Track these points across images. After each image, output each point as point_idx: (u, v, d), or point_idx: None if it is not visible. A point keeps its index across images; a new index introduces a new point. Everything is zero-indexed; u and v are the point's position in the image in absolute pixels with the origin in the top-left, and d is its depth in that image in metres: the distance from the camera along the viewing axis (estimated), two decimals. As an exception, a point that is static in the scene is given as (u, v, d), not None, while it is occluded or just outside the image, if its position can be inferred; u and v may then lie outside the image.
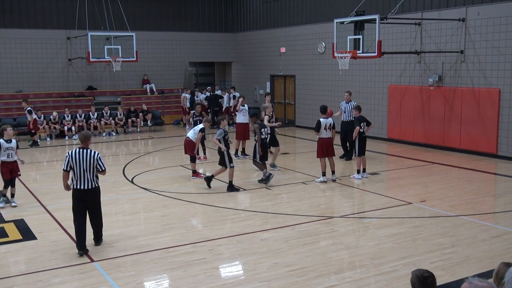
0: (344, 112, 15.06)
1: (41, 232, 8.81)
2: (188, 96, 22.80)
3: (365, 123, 12.85)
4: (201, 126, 13.04)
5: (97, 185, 7.85)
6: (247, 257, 7.69)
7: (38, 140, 18.94)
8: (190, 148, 12.96)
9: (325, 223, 9.27)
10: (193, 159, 12.98)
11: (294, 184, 11.99)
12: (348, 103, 15.04)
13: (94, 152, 7.78)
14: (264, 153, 12.52)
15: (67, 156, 7.76)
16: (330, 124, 12.30)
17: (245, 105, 15.85)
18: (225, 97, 23.38)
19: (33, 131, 18.73)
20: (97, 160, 7.75)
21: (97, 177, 7.86)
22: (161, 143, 19.14)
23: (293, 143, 19.39)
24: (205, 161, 15.06)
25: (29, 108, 18.65)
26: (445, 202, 10.51)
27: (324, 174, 12.30)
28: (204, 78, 29.12)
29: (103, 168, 7.85)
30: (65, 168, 7.80)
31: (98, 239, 8.14)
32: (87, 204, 7.82)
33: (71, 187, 7.85)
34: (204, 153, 15.30)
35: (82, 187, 7.70)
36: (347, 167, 14.06)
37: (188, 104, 22.58)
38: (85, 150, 7.74)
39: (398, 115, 17.70)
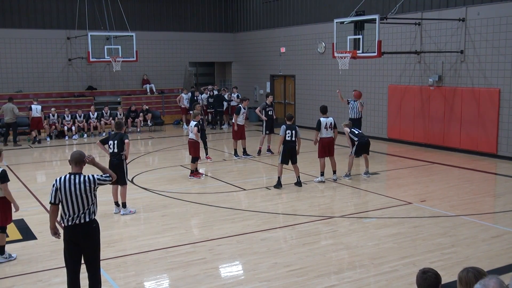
0: (352, 109, 15.56)
1: (41, 232, 8.80)
2: (185, 95, 22.72)
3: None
4: (192, 123, 13.08)
5: (93, 218, 5.87)
6: (247, 257, 7.69)
7: (37, 138, 19.16)
8: (192, 148, 12.98)
9: (325, 223, 9.27)
10: (194, 159, 12.98)
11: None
12: (356, 101, 15.49)
13: (88, 177, 5.81)
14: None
15: (53, 184, 5.81)
16: (331, 123, 12.35)
17: (246, 107, 15.95)
18: (226, 96, 23.34)
19: (37, 129, 19.35)
20: (97, 181, 5.84)
21: (95, 207, 5.90)
22: (161, 143, 19.14)
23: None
24: (209, 161, 15.03)
25: (40, 106, 19.57)
26: (445, 202, 10.51)
27: (322, 174, 12.32)
28: (204, 78, 29.12)
29: (110, 178, 5.99)
30: (52, 201, 5.82)
31: None
32: (81, 248, 5.85)
33: (62, 224, 5.89)
34: (207, 153, 15.26)
35: (73, 222, 5.74)
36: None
37: (186, 104, 22.55)
38: (77, 177, 5.77)
39: (398, 115, 17.70)
